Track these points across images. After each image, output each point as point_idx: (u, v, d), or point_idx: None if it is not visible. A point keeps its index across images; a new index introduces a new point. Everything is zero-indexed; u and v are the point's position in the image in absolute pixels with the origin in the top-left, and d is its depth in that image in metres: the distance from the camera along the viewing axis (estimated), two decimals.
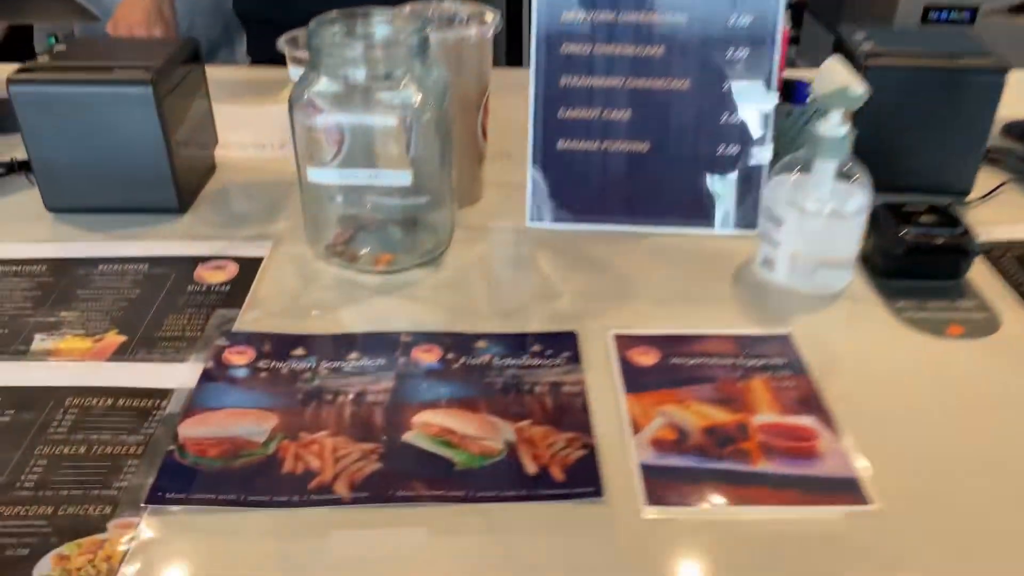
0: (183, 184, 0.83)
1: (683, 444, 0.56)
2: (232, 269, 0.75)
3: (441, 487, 0.53)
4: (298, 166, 0.72)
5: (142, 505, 0.51)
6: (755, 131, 0.77)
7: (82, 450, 0.55)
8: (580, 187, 0.80)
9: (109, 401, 0.59)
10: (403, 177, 0.69)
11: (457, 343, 0.65)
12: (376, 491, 0.52)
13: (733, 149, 0.78)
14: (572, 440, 0.56)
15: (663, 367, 0.62)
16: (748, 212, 0.79)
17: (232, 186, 0.90)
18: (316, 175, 0.69)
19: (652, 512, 0.51)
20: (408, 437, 0.56)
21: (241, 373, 0.62)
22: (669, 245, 0.78)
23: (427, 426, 0.57)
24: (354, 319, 0.69)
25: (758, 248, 0.74)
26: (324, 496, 0.52)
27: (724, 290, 0.72)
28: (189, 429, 0.57)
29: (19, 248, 0.77)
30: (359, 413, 0.58)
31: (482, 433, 0.57)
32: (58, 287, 0.72)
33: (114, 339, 0.66)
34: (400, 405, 0.59)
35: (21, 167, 0.90)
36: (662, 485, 0.53)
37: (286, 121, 0.70)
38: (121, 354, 0.64)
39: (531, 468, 0.54)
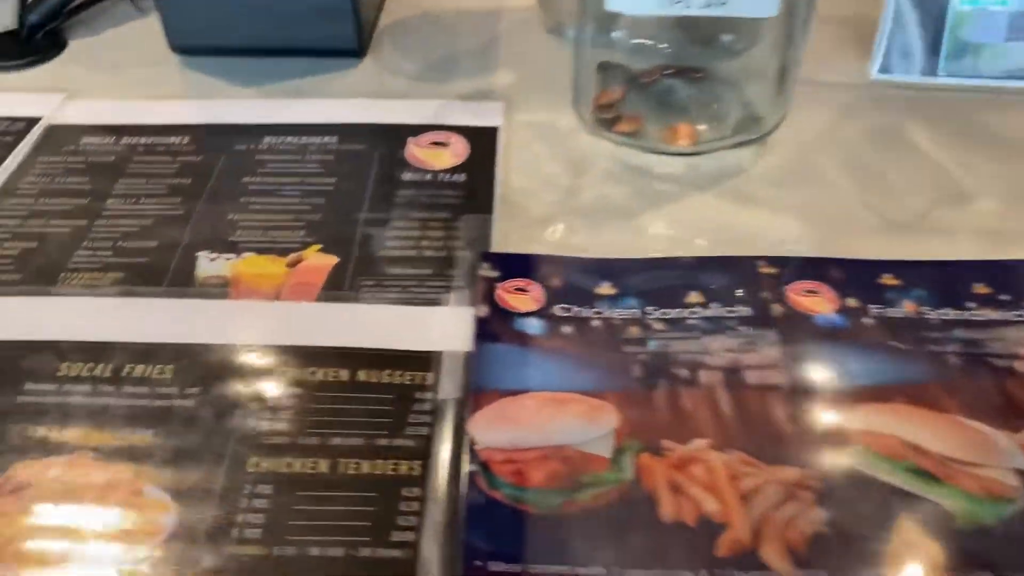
0: (363, 14, 0.58)
1: None
2: (459, 146, 0.51)
3: (950, 564, 0.32)
4: None
5: None
6: None
7: (324, 467, 0.35)
8: (977, 20, 0.53)
9: (343, 373, 0.37)
10: (767, 5, 0.43)
11: (852, 279, 0.42)
12: (837, 568, 0.32)
13: None
14: None
15: None
16: None
17: (414, 18, 0.64)
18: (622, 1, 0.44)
19: None
20: (850, 459, 0.35)
21: (533, 326, 0.40)
22: None
23: (874, 438, 0.35)
24: (665, 233, 0.45)
25: None
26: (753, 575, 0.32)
27: None
28: (486, 431, 0.36)
29: (143, 109, 0.54)
30: (747, 407, 0.36)
31: (972, 454, 0.34)
32: (213, 171, 0.49)
33: (319, 261, 0.44)
34: (809, 394, 0.37)
35: None
36: None
37: None
38: (336, 288, 0.42)
39: None
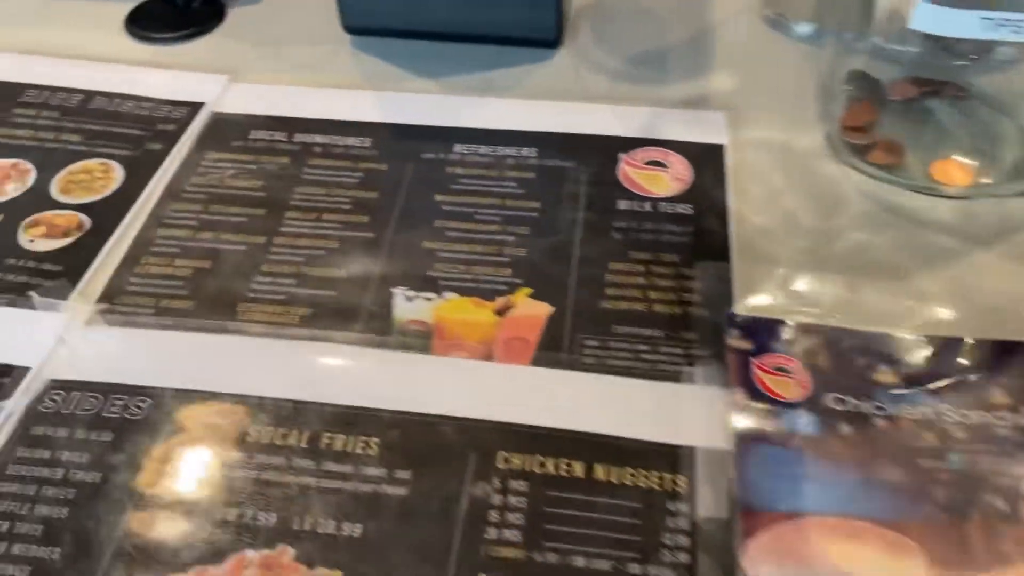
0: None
1: None
2: (679, 167, 0.44)
3: None
4: None
5: None
6: None
7: None
8: None
9: (576, 467, 0.31)
10: None
11: None
12: None
13: None
14: None
15: None
16: None
17: (612, 2, 0.57)
18: (935, 17, 0.35)
19: None
20: None
21: (803, 422, 0.33)
22: None
23: None
24: (947, 301, 0.37)
25: None
26: None
27: None
28: (764, 566, 0.29)
29: (315, 99, 0.47)
30: None
31: None
32: (401, 184, 0.43)
33: (531, 310, 0.37)
34: None
35: None
36: None
37: None
38: (554, 347, 0.35)
39: None
